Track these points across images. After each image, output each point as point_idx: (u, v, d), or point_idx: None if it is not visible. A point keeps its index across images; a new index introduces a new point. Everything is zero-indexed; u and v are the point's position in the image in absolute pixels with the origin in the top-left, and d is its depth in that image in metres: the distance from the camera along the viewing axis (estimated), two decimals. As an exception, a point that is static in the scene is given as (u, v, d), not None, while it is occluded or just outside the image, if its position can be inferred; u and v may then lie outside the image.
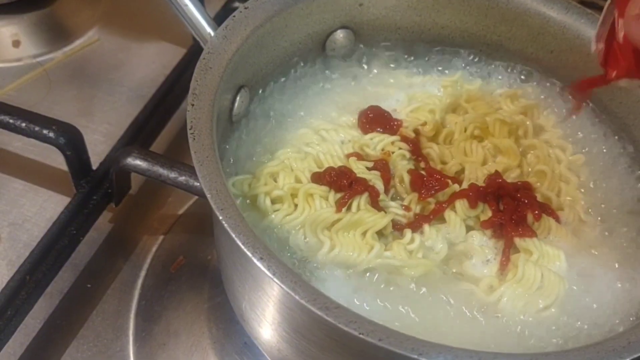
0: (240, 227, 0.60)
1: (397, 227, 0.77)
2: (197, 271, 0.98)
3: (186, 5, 0.77)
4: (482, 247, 0.76)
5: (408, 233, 0.75)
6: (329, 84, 0.91)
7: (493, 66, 0.95)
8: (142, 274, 1.00)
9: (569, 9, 0.87)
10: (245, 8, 0.79)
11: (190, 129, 0.66)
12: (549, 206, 0.80)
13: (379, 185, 0.78)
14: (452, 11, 0.92)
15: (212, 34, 0.78)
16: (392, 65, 0.95)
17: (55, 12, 1.32)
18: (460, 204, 0.78)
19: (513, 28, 0.91)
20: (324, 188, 0.77)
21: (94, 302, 0.96)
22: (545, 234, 0.78)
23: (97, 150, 1.08)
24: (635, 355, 0.57)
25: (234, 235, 0.59)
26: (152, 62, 1.27)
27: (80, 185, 0.98)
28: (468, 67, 0.95)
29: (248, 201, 0.77)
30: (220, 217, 0.60)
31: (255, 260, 0.58)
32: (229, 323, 0.90)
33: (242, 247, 0.59)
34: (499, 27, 0.92)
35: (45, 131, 0.95)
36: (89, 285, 0.98)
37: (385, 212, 0.77)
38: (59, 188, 1.05)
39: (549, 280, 0.72)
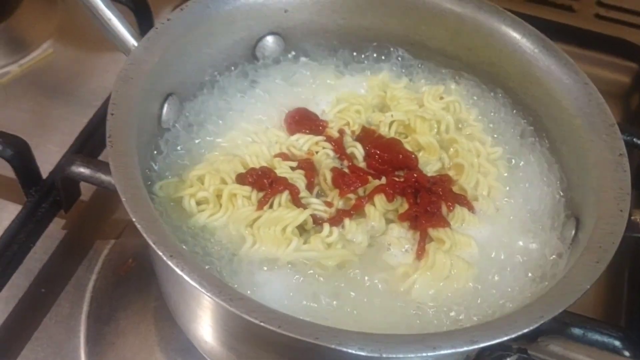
0: (152, 227, 0.64)
1: (319, 223, 0.81)
2: (145, 272, 1.01)
3: (110, 19, 0.81)
4: (399, 238, 0.80)
5: (326, 227, 0.79)
6: (259, 88, 0.95)
7: (418, 65, 1.00)
8: (94, 277, 1.04)
9: (481, 7, 0.91)
10: (168, 20, 0.83)
11: (109, 137, 0.70)
12: (464, 197, 0.84)
13: (300, 184, 0.82)
14: (374, 13, 0.96)
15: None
16: (322, 68, 0.99)
17: (11, 26, 1.36)
18: (379, 199, 0.82)
19: (432, 28, 0.96)
20: (247, 188, 0.81)
21: (48, 306, 1.00)
22: (459, 223, 0.82)
23: (52, 160, 1.10)
24: (519, 333, 0.61)
25: (145, 235, 0.63)
26: (106, 72, 1.30)
27: (30, 194, 1.02)
28: (395, 67, 1.00)
29: (172, 204, 0.81)
30: (134, 219, 0.64)
31: (165, 259, 0.62)
32: (174, 321, 0.93)
33: (153, 245, 0.63)
34: (419, 28, 0.96)
35: (-8, 144, 0.98)
36: (43, 290, 1.02)
37: (306, 208, 0.81)
38: (12, 197, 1.09)
39: (457, 268, 0.76)
